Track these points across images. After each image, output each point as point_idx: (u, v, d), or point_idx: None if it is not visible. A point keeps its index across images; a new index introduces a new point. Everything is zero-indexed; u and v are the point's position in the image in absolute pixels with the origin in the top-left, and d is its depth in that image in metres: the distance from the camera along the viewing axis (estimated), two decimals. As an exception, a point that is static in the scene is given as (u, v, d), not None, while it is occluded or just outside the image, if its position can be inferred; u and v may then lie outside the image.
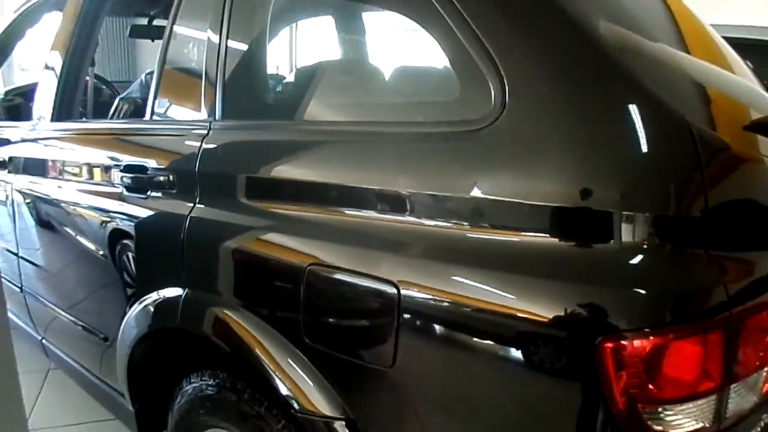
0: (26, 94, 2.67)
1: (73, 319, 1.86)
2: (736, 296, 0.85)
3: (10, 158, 2.04)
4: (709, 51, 1.39)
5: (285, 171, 1.21)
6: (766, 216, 0.98)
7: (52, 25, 2.16)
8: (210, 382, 1.35)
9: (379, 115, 1.18)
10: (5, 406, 1.37)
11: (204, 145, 1.34)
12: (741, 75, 1.35)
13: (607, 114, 0.92)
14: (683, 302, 0.85)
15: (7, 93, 2.74)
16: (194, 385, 1.39)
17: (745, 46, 2.70)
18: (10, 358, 1.47)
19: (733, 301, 0.85)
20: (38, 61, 2.23)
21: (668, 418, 0.85)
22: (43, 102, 1.96)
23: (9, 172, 2.03)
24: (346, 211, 1.08)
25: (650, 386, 0.83)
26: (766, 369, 0.95)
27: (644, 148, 0.88)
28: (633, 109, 0.89)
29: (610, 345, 0.82)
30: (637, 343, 0.81)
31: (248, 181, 1.25)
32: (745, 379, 0.90)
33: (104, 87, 2.78)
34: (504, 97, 0.93)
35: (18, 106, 2.58)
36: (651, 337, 0.82)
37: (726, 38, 1.44)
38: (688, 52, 1.29)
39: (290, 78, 1.59)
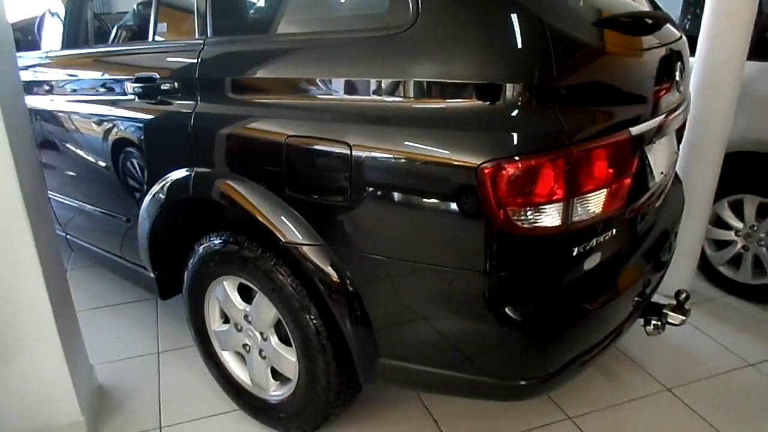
0: (23, 29, 2.97)
1: (96, 209, 2.28)
2: (575, 137, 1.29)
3: (27, 83, 2.38)
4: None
5: (264, 71, 1.61)
6: (599, 82, 1.40)
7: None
8: (217, 241, 1.78)
9: (333, 26, 1.58)
10: (60, 297, 1.81)
11: (201, 58, 1.72)
12: None
13: (492, 19, 1.32)
14: (538, 139, 1.27)
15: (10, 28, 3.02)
16: (204, 245, 1.83)
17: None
18: (59, 263, 1.89)
19: (572, 140, 1.28)
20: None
21: (530, 218, 1.30)
22: (52, 34, 2.29)
23: (29, 94, 2.36)
24: (312, 97, 1.50)
25: (515, 196, 1.27)
26: (603, 192, 1.39)
27: (518, 41, 1.29)
28: (512, 16, 1.29)
29: (488, 168, 1.25)
30: (505, 166, 1.25)
31: (237, 82, 1.65)
32: (584, 195, 1.35)
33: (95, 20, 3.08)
34: (418, 9, 1.33)
35: (17, 40, 2.86)
36: (514, 162, 1.25)
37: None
38: None
39: (263, 1, 1.95)
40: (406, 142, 1.34)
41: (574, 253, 1.40)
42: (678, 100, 1.75)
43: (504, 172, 1.25)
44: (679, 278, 2.76)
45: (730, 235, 2.76)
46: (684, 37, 1.93)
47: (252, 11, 1.92)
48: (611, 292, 1.57)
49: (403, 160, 1.35)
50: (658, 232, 1.91)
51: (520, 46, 1.28)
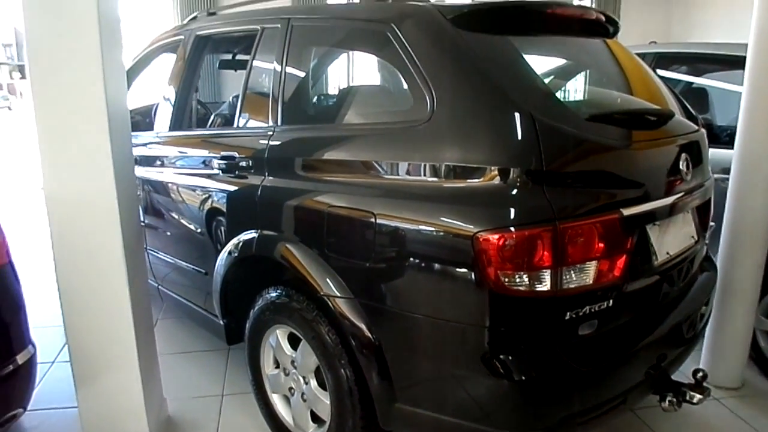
0: (143, 113, 3.59)
1: (182, 263, 2.69)
2: (560, 214, 1.51)
3: (140, 157, 2.90)
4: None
5: (317, 154, 1.96)
6: (591, 168, 1.62)
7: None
8: (273, 293, 2.10)
9: (372, 119, 1.92)
10: (144, 335, 2.16)
11: (270, 142, 2.11)
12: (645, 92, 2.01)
13: (489, 114, 1.61)
14: (526, 214, 1.51)
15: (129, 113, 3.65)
16: (263, 296, 2.14)
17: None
18: (147, 307, 2.27)
19: (558, 216, 1.50)
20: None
21: (519, 282, 1.51)
22: (163, 117, 2.81)
23: (140, 166, 2.88)
24: (350, 174, 1.82)
25: (505, 261, 1.50)
26: (593, 263, 1.58)
27: (518, 133, 1.55)
28: (505, 111, 1.58)
29: (483, 236, 1.49)
30: (497, 236, 1.49)
31: (296, 162, 2.01)
32: (573, 265, 1.54)
33: (201, 107, 3.67)
34: (433, 108, 1.64)
35: (138, 122, 3.46)
36: (506, 233, 1.49)
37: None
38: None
39: (322, 98, 2.34)
40: (421, 213, 1.62)
41: (566, 317, 1.58)
42: (687, 187, 1.91)
43: (493, 240, 1.49)
44: (729, 369, 2.76)
45: (783, 328, 2.75)
46: (702, 130, 2.11)
47: (310, 107, 2.31)
48: (611, 360, 1.71)
49: (417, 228, 1.62)
50: (681, 310, 2.01)
51: (512, 136, 1.55)
